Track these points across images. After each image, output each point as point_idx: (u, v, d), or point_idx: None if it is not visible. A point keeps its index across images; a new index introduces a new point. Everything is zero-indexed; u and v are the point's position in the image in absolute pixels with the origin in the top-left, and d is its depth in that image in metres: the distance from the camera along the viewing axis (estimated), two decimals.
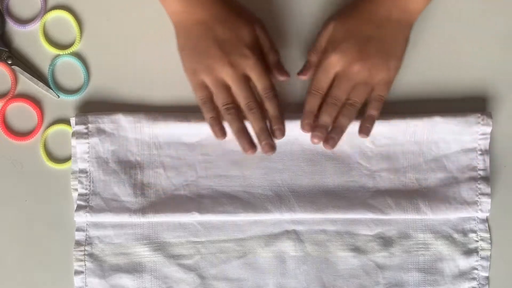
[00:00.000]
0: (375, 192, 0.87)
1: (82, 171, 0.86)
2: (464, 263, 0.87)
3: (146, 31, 0.90)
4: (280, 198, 0.86)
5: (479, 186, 0.87)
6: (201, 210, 0.86)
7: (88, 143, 0.87)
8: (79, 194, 0.86)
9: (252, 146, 0.81)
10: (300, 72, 0.86)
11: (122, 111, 0.87)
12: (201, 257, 0.86)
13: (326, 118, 0.82)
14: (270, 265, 0.87)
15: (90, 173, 0.87)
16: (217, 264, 0.86)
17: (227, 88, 0.80)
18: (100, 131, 0.87)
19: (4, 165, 0.88)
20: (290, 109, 0.87)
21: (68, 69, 0.89)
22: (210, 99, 0.81)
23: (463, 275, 0.87)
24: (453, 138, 0.87)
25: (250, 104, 0.80)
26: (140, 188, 0.86)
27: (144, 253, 0.86)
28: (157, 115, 0.87)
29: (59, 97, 0.89)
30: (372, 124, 0.82)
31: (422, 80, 0.89)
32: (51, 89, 0.88)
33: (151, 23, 0.89)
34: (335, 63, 0.81)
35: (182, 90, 0.87)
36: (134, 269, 0.86)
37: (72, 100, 0.89)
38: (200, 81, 0.81)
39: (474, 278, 0.87)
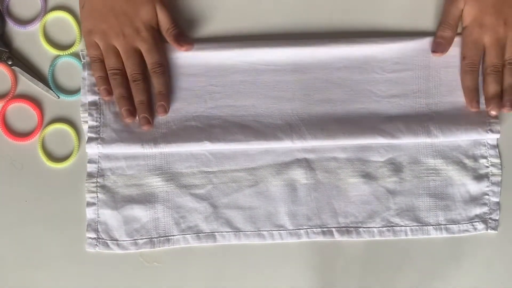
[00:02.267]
0: (385, 117, 0.88)
1: (92, 103, 0.87)
2: (475, 188, 0.88)
3: None
4: (291, 126, 0.87)
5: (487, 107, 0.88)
6: (212, 139, 0.86)
7: None
8: (90, 127, 0.87)
9: (129, 114, 0.85)
10: (435, 49, 0.87)
11: None
12: (213, 187, 0.88)
13: (495, 87, 0.85)
14: (281, 193, 0.87)
15: (100, 105, 0.87)
16: (229, 193, 0.87)
17: (117, 55, 0.85)
18: None
19: (4, 165, 0.88)
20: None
21: (68, 69, 0.89)
22: (100, 59, 0.86)
23: (474, 200, 0.88)
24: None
25: (134, 76, 0.85)
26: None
27: (156, 184, 0.87)
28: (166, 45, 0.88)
29: (59, 97, 0.89)
30: None
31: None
32: (51, 90, 0.88)
33: None
34: (481, 37, 0.85)
35: None
36: (147, 200, 0.87)
37: (72, 100, 0.89)
38: (93, 42, 0.85)
39: (485, 204, 0.87)
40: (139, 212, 0.87)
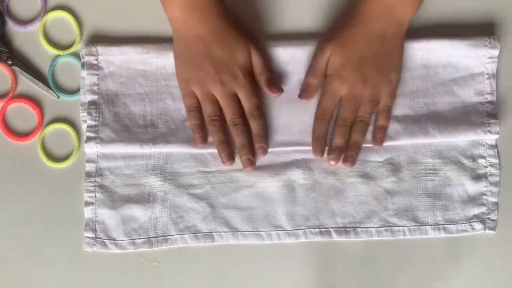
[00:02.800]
0: None
1: (91, 102, 0.88)
2: (473, 188, 0.88)
3: (145, 32, 0.90)
4: (289, 127, 0.88)
5: (486, 109, 0.88)
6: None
7: (97, 74, 0.88)
8: (89, 126, 0.87)
9: (230, 158, 0.86)
10: (301, 95, 0.87)
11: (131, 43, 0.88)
12: (211, 187, 0.88)
13: (339, 140, 0.86)
14: (280, 193, 0.88)
15: (99, 105, 0.88)
16: (227, 193, 0.88)
17: (215, 102, 0.85)
18: (109, 63, 0.88)
19: (4, 165, 0.88)
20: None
21: (68, 69, 0.89)
22: (196, 108, 0.85)
23: (472, 200, 0.88)
24: (460, 61, 0.88)
25: (235, 120, 0.85)
26: (150, 119, 0.87)
27: (154, 183, 0.87)
28: (166, 45, 0.88)
29: (59, 97, 0.89)
30: (384, 133, 0.87)
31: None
32: (51, 89, 0.88)
33: (151, 24, 0.90)
34: (338, 89, 0.85)
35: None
36: (145, 199, 0.87)
37: (72, 100, 0.89)
38: (190, 90, 0.85)
39: (483, 204, 0.88)
40: (137, 212, 0.87)
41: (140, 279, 0.87)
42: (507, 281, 0.88)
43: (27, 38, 0.90)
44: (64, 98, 0.89)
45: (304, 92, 0.87)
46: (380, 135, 0.86)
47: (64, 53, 0.89)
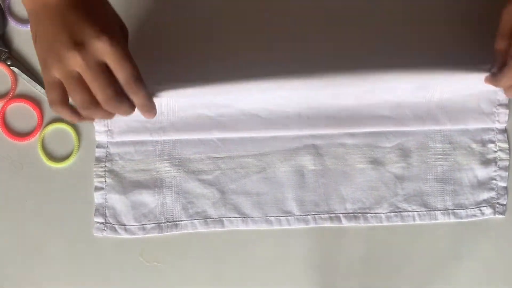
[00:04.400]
0: (394, 104, 0.87)
1: None
2: (483, 173, 0.88)
3: (145, 33, 0.90)
4: (300, 114, 0.87)
5: (497, 97, 0.87)
6: (220, 128, 0.87)
7: None
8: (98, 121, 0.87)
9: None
10: (493, 71, 0.81)
11: None
12: (221, 172, 0.88)
13: None
14: (289, 179, 0.88)
15: None
16: (236, 179, 0.88)
17: (80, 81, 0.69)
18: None
19: (4, 165, 0.88)
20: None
21: None
22: (65, 101, 0.72)
23: (482, 185, 0.88)
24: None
25: (109, 102, 0.70)
26: (159, 108, 0.85)
27: (164, 169, 0.88)
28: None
29: None
30: None
31: None
32: None
33: (151, 24, 0.89)
34: None
35: None
36: (155, 185, 0.88)
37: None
38: (53, 78, 0.70)
39: (492, 188, 0.87)
40: (147, 197, 0.87)
41: (140, 279, 0.87)
42: None
43: (28, 38, 0.89)
44: None
45: (497, 63, 0.80)
46: None
47: None
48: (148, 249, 0.87)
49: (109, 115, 0.73)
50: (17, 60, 0.89)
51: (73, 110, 0.73)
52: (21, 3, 0.90)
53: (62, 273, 0.87)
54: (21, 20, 0.90)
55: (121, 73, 0.69)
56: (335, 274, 0.87)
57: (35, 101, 0.89)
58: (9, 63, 0.88)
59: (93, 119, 0.75)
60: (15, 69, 0.88)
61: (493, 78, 0.79)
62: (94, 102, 0.70)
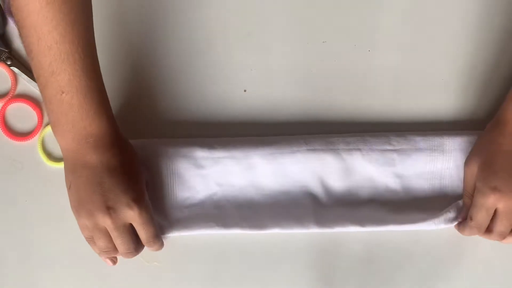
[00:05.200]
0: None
1: None
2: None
3: (145, 33, 0.90)
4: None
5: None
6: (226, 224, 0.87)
7: None
8: None
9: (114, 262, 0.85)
10: (458, 228, 0.86)
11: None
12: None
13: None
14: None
15: None
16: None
17: (106, 234, 0.80)
18: None
19: (4, 165, 0.88)
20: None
21: None
22: (92, 240, 0.82)
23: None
24: None
25: (127, 255, 0.82)
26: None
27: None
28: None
29: None
30: None
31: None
32: None
33: (151, 26, 0.89)
34: (495, 202, 0.80)
35: (180, 94, 0.88)
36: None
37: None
38: (82, 223, 0.80)
39: None
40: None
41: (140, 279, 0.87)
42: (509, 282, 0.88)
43: None
44: None
45: (461, 224, 0.85)
46: None
47: None
48: (148, 249, 0.87)
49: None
50: (17, 60, 0.89)
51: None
52: None
53: (62, 273, 0.87)
54: None
55: (144, 234, 0.81)
56: (335, 275, 0.88)
57: (35, 101, 0.89)
58: (9, 63, 0.88)
59: (115, 262, 0.85)
60: (15, 69, 0.88)
61: (458, 228, 0.86)
62: (114, 250, 0.81)
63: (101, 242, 0.80)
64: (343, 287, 0.87)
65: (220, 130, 0.89)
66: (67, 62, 0.74)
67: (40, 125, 0.89)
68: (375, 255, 0.88)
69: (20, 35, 0.75)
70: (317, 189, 0.87)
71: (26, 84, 0.89)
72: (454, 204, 0.85)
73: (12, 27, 0.90)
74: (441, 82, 0.89)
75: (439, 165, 0.87)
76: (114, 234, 0.79)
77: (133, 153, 0.82)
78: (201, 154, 0.86)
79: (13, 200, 0.88)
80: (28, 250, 0.87)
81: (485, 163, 0.82)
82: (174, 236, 0.87)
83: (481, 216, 0.82)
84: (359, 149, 0.87)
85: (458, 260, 0.88)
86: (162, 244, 0.84)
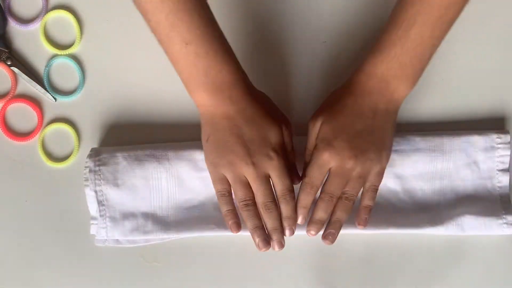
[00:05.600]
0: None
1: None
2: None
3: (145, 34, 0.89)
4: None
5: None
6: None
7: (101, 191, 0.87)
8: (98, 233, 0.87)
9: (266, 244, 0.81)
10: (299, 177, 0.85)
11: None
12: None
13: (322, 214, 0.81)
14: None
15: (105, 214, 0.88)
16: None
17: (246, 185, 0.80)
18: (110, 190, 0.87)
19: (4, 165, 0.88)
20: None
21: (64, 69, 0.89)
22: (228, 192, 0.82)
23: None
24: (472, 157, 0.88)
25: (267, 204, 0.80)
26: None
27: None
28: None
29: (56, 100, 0.89)
30: (368, 214, 0.82)
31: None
32: (48, 92, 0.89)
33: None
34: (328, 160, 0.80)
35: (179, 94, 0.88)
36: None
37: (70, 100, 0.89)
38: (220, 175, 0.81)
39: None
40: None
41: (140, 279, 0.87)
42: (510, 282, 0.88)
43: (28, 38, 0.90)
44: (61, 99, 0.89)
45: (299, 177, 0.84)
46: (365, 216, 0.82)
47: (62, 54, 0.89)
48: (148, 249, 0.87)
49: (257, 226, 0.81)
50: (17, 60, 0.89)
51: (232, 204, 0.82)
52: (21, 3, 0.90)
53: (62, 273, 0.87)
54: (21, 20, 0.90)
55: (279, 185, 0.80)
56: (335, 275, 0.88)
57: (35, 101, 0.89)
58: (9, 63, 0.89)
59: (240, 227, 0.82)
60: (15, 69, 0.89)
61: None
62: (252, 201, 0.81)
63: (241, 192, 0.80)
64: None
65: None
66: (183, 12, 0.74)
67: (40, 125, 0.89)
68: (375, 255, 0.88)
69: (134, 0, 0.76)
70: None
71: (26, 84, 0.89)
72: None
73: (12, 27, 0.90)
74: (441, 82, 0.89)
75: (439, 165, 0.87)
76: (255, 185, 0.80)
77: (265, 99, 0.83)
78: (200, 156, 0.86)
79: (13, 200, 0.88)
80: (28, 250, 0.87)
81: (327, 121, 0.81)
82: (174, 236, 0.87)
83: (313, 172, 0.80)
84: None
85: (458, 260, 0.87)
86: (295, 208, 0.81)
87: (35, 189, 0.88)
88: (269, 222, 0.81)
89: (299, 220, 0.81)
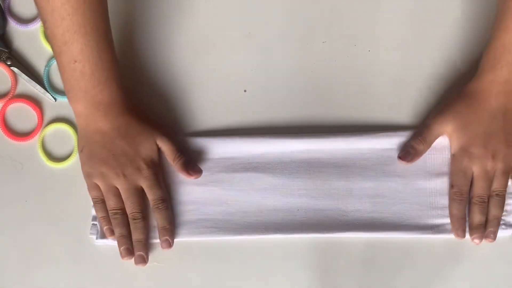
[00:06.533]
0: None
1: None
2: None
3: (145, 33, 0.90)
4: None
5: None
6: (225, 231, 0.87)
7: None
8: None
9: (129, 253, 0.85)
10: (404, 157, 0.86)
11: None
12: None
13: (480, 217, 0.85)
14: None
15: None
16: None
17: (117, 196, 0.85)
18: None
19: (4, 165, 0.88)
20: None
21: None
22: (101, 200, 0.85)
23: None
24: None
25: (134, 214, 0.85)
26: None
27: None
28: None
29: (56, 100, 0.89)
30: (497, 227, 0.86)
31: None
32: (48, 92, 0.89)
33: (151, 26, 0.89)
34: (469, 166, 0.85)
35: (180, 94, 0.88)
36: None
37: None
38: (94, 183, 0.85)
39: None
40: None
41: (140, 279, 0.87)
42: (510, 282, 0.88)
43: (28, 38, 0.90)
44: (61, 100, 0.89)
45: (408, 155, 0.86)
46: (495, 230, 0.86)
47: None
48: (148, 249, 0.87)
49: (123, 235, 0.85)
50: (17, 60, 0.89)
51: (107, 211, 0.86)
52: (21, 4, 0.90)
53: (62, 273, 0.87)
54: (21, 20, 0.90)
55: (151, 195, 0.85)
56: (335, 276, 0.87)
57: (35, 101, 0.89)
58: (9, 63, 0.89)
59: (113, 233, 0.85)
60: (15, 69, 0.89)
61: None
62: (122, 210, 0.85)
63: (111, 202, 0.84)
64: None
65: (220, 130, 0.89)
66: (79, 33, 0.78)
67: (40, 125, 0.89)
68: (375, 256, 0.87)
69: (36, 5, 0.77)
70: (317, 191, 0.87)
71: (26, 84, 0.89)
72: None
73: (12, 27, 0.90)
74: (441, 82, 0.89)
75: (438, 164, 0.87)
76: (125, 195, 0.84)
77: (144, 115, 0.86)
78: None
79: (13, 200, 0.88)
80: (28, 250, 0.87)
81: (459, 129, 0.85)
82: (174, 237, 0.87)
83: (459, 180, 0.85)
84: (359, 149, 0.87)
85: (458, 260, 0.87)
86: (170, 218, 0.85)
87: (35, 189, 0.88)
88: (134, 233, 0.85)
89: (460, 232, 0.85)
